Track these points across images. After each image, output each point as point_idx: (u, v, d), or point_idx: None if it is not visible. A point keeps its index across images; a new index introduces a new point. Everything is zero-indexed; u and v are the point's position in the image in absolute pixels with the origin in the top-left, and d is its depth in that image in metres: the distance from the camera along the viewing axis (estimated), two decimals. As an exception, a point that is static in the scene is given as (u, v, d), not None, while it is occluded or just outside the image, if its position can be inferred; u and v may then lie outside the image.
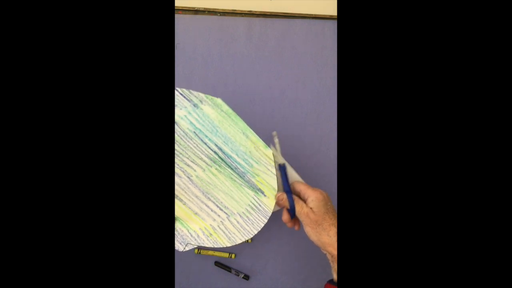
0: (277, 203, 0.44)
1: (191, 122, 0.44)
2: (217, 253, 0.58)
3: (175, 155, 0.44)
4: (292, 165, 0.47)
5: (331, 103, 0.62)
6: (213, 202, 0.45)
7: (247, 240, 0.59)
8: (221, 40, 0.60)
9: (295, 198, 0.43)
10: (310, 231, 0.41)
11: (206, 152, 0.45)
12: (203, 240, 0.45)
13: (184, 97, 0.44)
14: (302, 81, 0.62)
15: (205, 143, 0.44)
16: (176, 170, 0.45)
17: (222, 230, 0.45)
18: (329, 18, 0.62)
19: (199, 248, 0.58)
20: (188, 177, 0.45)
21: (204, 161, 0.45)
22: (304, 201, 0.43)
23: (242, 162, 0.45)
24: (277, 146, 0.46)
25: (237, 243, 0.45)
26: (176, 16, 0.61)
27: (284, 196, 0.43)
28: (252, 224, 0.45)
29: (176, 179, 0.45)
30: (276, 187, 0.45)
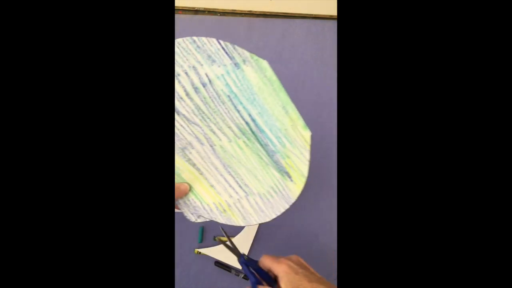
0: None
1: (227, 84, 0.38)
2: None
3: (202, 119, 0.39)
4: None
5: (331, 104, 0.62)
6: (233, 178, 0.41)
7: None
8: (221, 40, 0.60)
9: None
10: None
11: (237, 121, 0.40)
12: (216, 216, 0.42)
13: (226, 52, 0.38)
14: (302, 81, 0.62)
15: (238, 111, 0.39)
16: (199, 135, 0.40)
17: (238, 209, 0.42)
18: (329, 18, 0.62)
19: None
20: (211, 146, 0.41)
21: (232, 131, 0.40)
22: (276, 276, 0.40)
23: (275, 140, 0.40)
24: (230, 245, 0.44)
25: (251, 225, 0.42)
26: (176, 16, 0.61)
27: None
28: (272, 207, 0.41)
29: (197, 145, 0.41)
30: (306, 174, 0.40)
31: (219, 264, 0.58)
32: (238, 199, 0.42)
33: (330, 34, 0.62)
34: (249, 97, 0.39)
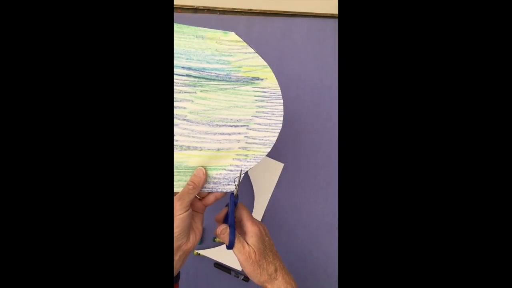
0: (217, 235, 0.42)
1: None
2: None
3: None
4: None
5: (332, 103, 0.61)
6: (225, 126, 0.41)
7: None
8: (220, 39, 0.60)
9: (237, 234, 0.41)
10: (250, 272, 0.40)
11: (180, 81, 0.39)
12: (244, 165, 0.42)
13: None
14: (303, 81, 0.61)
15: (174, 73, 0.39)
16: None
17: (253, 142, 0.42)
18: (330, 16, 0.62)
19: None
20: (184, 119, 0.40)
21: (185, 92, 0.39)
22: (243, 231, 0.42)
23: (218, 65, 0.39)
24: (237, 181, 0.43)
25: (274, 143, 0.42)
26: (176, 14, 0.60)
27: (227, 230, 0.41)
28: (272, 113, 0.41)
29: (175, 129, 0.40)
30: (265, 62, 0.40)
31: (218, 265, 0.58)
32: (245, 136, 0.41)
33: (331, 32, 0.61)
34: None
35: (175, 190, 0.40)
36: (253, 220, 0.43)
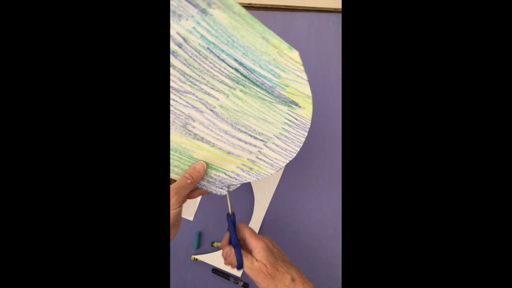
0: (224, 259, 0.41)
1: (202, 36, 0.36)
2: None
3: (192, 84, 0.37)
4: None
5: (335, 101, 0.59)
6: (246, 133, 0.40)
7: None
8: (219, 35, 0.58)
9: (243, 253, 0.40)
10: (266, 287, 0.39)
11: (226, 71, 0.37)
12: (245, 177, 0.41)
13: (189, 1, 0.35)
14: (305, 78, 0.59)
15: (223, 60, 0.37)
16: (195, 103, 0.38)
17: (263, 160, 0.41)
18: (333, 11, 0.60)
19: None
20: (211, 110, 0.38)
21: (226, 84, 0.38)
22: (248, 249, 0.41)
23: (268, 75, 0.38)
24: (228, 197, 0.43)
25: (282, 167, 0.42)
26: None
27: (232, 251, 0.40)
28: (293, 142, 0.41)
29: (197, 115, 0.38)
30: (310, 94, 0.40)
31: (216, 271, 0.56)
32: (258, 151, 0.41)
33: (334, 27, 0.59)
34: (228, 41, 0.37)
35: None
36: (257, 236, 0.42)
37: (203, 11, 0.35)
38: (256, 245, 0.40)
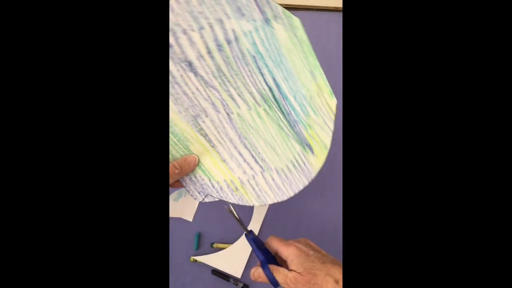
0: (254, 280, 0.38)
1: (254, 42, 0.35)
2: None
3: (222, 82, 0.36)
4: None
5: (337, 98, 0.59)
6: (249, 151, 0.38)
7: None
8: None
9: (273, 268, 0.37)
10: None
11: (260, 85, 0.36)
12: (227, 194, 0.39)
13: (258, 5, 0.33)
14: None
15: (262, 74, 0.36)
16: (216, 101, 0.36)
17: (252, 186, 0.39)
18: (334, 10, 0.60)
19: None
20: (228, 114, 0.37)
21: (253, 97, 0.36)
22: (283, 260, 0.38)
23: (298, 108, 0.36)
24: (234, 217, 0.39)
25: (266, 204, 0.39)
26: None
27: (259, 270, 0.37)
28: (290, 184, 0.38)
29: (212, 112, 0.37)
30: (329, 146, 0.37)
31: (216, 272, 0.56)
32: (252, 175, 0.39)
33: (335, 27, 0.60)
34: (276, 59, 0.35)
35: None
36: (287, 242, 0.38)
37: (267, 21, 0.34)
38: (288, 254, 0.37)
